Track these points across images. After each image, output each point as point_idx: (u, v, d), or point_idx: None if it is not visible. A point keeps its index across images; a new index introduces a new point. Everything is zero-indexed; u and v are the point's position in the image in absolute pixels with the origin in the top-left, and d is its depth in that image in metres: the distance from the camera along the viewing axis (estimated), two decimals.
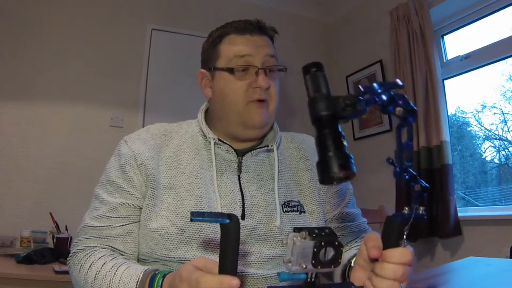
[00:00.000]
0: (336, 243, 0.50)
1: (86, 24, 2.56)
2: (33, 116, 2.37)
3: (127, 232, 0.84)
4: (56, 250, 1.99)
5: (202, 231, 0.79)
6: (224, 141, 0.90)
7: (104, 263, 0.76)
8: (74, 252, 0.83)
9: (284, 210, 0.87)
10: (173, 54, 2.67)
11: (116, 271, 0.73)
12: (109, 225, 0.83)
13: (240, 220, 0.82)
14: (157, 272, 0.69)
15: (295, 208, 0.88)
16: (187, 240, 0.79)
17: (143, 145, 0.88)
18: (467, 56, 2.34)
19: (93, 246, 0.82)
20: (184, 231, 0.79)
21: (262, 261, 0.82)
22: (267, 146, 0.93)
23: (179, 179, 0.85)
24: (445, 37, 2.51)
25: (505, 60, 2.20)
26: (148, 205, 0.83)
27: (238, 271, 0.80)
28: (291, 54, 3.18)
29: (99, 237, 0.83)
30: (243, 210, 0.84)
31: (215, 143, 0.89)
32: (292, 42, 3.18)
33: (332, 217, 0.96)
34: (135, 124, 2.56)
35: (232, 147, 0.90)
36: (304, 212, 0.89)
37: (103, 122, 2.51)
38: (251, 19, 0.92)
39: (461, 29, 2.43)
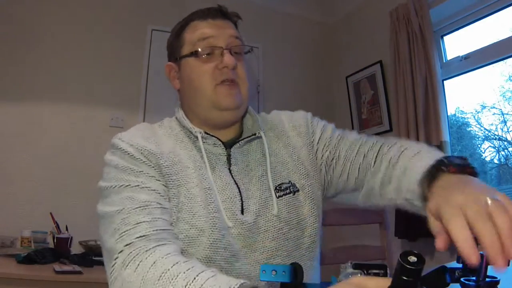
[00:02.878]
0: None
1: (86, 24, 2.56)
2: (33, 116, 2.37)
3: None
4: (56, 250, 1.99)
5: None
6: (210, 134, 0.86)
7: (177, 263, 0.61)
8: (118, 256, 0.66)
9: (278, 195, 0.85)
10: None
11: (195, 276, 0.57)
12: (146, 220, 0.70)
13: (240, 215, 0.80)
14: None
15: (288, 190, 0.86)
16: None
17: (142, 139, 0.83)
18: (466, 57, 2.34)
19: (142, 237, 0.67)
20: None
21: (269, 256, 0.79)
22: (254, 134, 0.89)
23: (186, 173, 0.80)
24: (444, 37, 2.51)
25: (505, 60, 2.20)
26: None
27: (248, 274, 0.76)
28: (291, 54, 3.18)
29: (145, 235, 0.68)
30: (242, 204, 0.82)
31: (202, 137, 0.86)
32: (292, 42, 3.18)
33: (339, 155, 0.90)
34: (135, 124, 2.56)
35: (219, 139, 0.87)
36: (298, 190, 0.87)
37: (103, 122, 2.51)
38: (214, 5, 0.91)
39: (461, 30, 2.43)
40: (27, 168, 2.30)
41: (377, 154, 0.86)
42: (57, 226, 2.12)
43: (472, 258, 0.46)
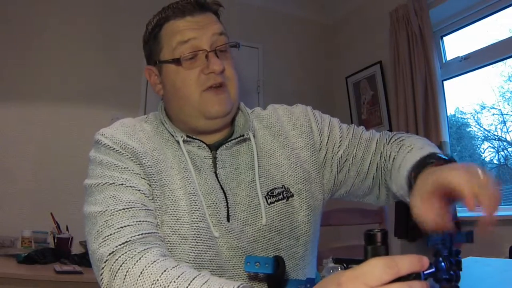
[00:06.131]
0: None
1: (86, 24, 2.56)
2: (33, 116, 2.37)
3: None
4: (57, 250, 2.00)
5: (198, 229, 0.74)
6: (194, 137, 0.81)
7: (165, 270, 0.59)
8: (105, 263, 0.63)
9: (269, 202, 0.78)
10: None
11: (187, 286, 0.56)
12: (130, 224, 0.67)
13: (226, 222, 0.76)
14: None
15: (280, 196, 0.79)
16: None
17: (124, 136, 0.79)
18: (466, 57, 2.35)
19: (126, 242, 0.64)
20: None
21: None
22: (242, 136, 0.82)
23: (170, 173, 0.76)
24: (444, 38, 2.52)
25: (504, 61, 2.21)
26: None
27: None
28: (291, 54, 3.19)
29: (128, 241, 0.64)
30: (228, 211, 0.77)
31: (184, 141, 0.80)
32: (292, 42, 3.18)
33: (350, 163, 0.85)
34: None
35: (203, 142, 0.81)
36: (292, 195, 0.80)
37: (103, 122, 2.48)
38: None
39: (461, 30, 2.44)
40: (28, 168, 2.30)
41: (390, 151, 0.82)
42: (58, 226, 2.12)
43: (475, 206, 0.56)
